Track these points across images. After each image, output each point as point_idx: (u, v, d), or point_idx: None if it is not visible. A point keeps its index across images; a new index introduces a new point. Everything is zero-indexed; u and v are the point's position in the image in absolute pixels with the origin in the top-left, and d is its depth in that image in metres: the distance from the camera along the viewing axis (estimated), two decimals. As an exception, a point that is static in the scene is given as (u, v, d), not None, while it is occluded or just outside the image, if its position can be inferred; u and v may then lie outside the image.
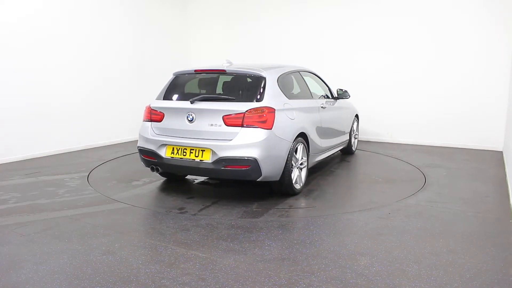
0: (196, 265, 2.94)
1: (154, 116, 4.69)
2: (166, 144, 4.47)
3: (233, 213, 4.08)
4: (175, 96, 4.75)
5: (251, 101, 4.31)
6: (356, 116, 7.09)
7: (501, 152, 7.08)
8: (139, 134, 4.82)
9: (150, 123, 4.73)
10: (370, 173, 5.80)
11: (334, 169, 5.95)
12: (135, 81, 8.43)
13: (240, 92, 4.63)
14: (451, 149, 7.44)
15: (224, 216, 3.98)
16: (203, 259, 3.04)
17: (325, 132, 5.43)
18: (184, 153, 4.36)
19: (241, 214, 4.06)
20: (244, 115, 4.17)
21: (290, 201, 4.46)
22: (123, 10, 8.14)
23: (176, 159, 4.39)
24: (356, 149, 7.25)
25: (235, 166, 4.15)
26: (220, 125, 4.23)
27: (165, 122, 4.59)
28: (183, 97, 4.70)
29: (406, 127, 8.01)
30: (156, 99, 4.87)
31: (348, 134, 6.68)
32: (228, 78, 4.81)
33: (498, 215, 3.99)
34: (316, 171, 5.76)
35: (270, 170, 4.21)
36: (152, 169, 4.72)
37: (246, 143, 4.10)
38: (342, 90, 6.21)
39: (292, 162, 4.47)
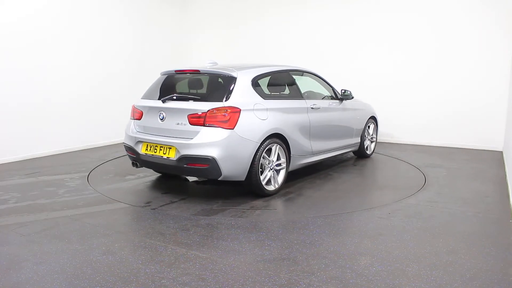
0: (196, 265, 2.94)
1: (136, 114, 4.92)
2: (141, 141, 4.70)
3: (190, 210, 4.17)
4: (154, 95, 4.89)
5: (217, 101, 4.35)
6: (373, 118, 6.76)
7: (501, 152, 7.08)
8: (124, 131, 5.05)
9: (133, 121, 4.95)
10: (367, 177, 5.77)
11: (333, 172, 5.82)
12: (135, 80, 8.42)
13: (209, 92, 4.74)
14: (451, 149, 7.44)
15: (181, 212, 4.10)
16: (203, 259, 3.04)
17: (317, 133, 5.29)
18: (155, 150, 4.53)
19: (196, 211, 4.12)
20: (205, 114, 4.24)
21: (257, 202, 4.42)
22: (123, 8, 8.15)
23: (149, 156, 4.59)
24: (373, 152, 6.89)
25: (195, 164, 4.24)
26: (185, 124, 4.35)
27: (143, 120, 4.81)
28: (159, 96, 4.81)
29: (406, 127, 8.01)
30: (141, 98, 5.04)
31: (359, 136, 6.39)
32: (202, 78, 4.91)
33: (498, 215, 3.99)
34: (311, 173, 5.68)
35: (231, 169, 4.23)
36: (133, 165, 4.94)
37: (205, 142, 4.17)
38: (347, 91, 6.02)
39: (263, 163, 4.46)
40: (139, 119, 4.84)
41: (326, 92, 5.87)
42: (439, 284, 2.66)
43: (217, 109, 4.24)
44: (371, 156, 6.83)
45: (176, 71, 5.03)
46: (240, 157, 4.24)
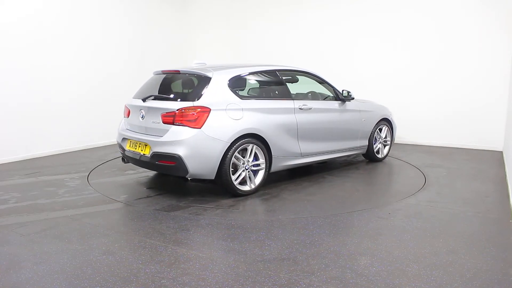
0: (196, 265, 2.94)
1: (126, 112, 5.12)
2: (126, 138, 4.90)
3: (158, 205, 4.33)
4: (141, 94, 4.98)
5: (189, 100, 4.43)
6: (386, 120, 6.41)
7: (501, 152, 7.08)
8: (117, 128, 5.28)
9: (124, 118, 5.20)
10: (364, 181, 5.52)
11: (328, 175, 5.62)
12: (134, 80, 8.39)
13: (184, 91, 4.87)
14: (451, 149, 7.44)
15: (147, 206, 4.28)
16: (203, 259, 3.04)
17: (307, 135, 5.15)
18: (135, 147, 4.71)
19: (162, 207, 4.27)
20: (175, 113, 4.33)
21: (227, 201, 4.43)
22: (123, 8, 8.14)
23: (131, 152, 4.77)
24: (385, 156, 6.51)
25: (165, 161, 4.37)
26: (158, 123, 4.48)
27: (130, 118, 5.00)
28: (143, 95, 4.90)
29: (406, 127, 8.00)
30: (132, 97, 5.17)
31: (367, 139, 6.10)
32: (181, 78, 5.02)
33: (498, 215, 3.99)
34: (304, 175, 5.56)
35: (198, 168, 4.30)
36: (122, 160, 5.18)
37: (172, 140, 4.28)
38: (349, 92, 5.83)
39: (237, 162, 4.47)
40: (128, 117, 5.03)
41: (329, 93, 5.78)
42: (439, 284, 2.66)
43: (186, 108, 4.32)
44: (383, 160, 6.48)
45: (162, 71, 5.14)
46: (207, 156, 4.29)
